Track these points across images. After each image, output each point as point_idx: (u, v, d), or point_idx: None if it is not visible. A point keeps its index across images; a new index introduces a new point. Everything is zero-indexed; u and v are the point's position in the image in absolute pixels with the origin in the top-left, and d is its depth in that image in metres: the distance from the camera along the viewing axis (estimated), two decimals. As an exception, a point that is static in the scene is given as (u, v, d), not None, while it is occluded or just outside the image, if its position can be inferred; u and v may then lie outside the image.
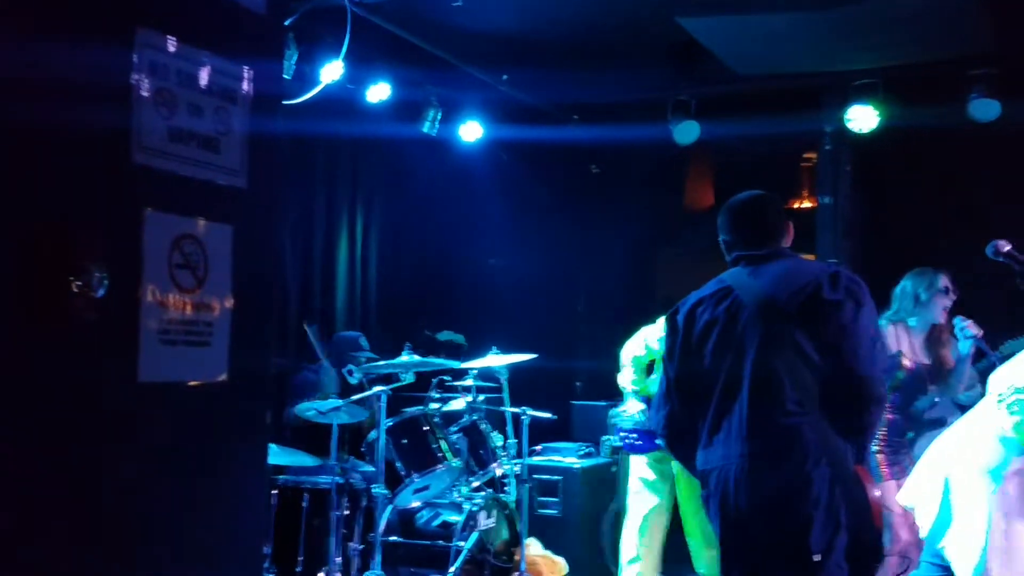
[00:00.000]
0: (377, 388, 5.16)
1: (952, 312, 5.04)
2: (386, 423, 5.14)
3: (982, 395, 4.17)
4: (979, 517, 3.77)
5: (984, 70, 6.39)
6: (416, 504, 5.42)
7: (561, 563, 6.16)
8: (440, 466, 5.18)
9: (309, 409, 5.15)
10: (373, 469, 5.19)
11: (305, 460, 5.15)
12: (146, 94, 1.90)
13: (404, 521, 5.39)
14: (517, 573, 5.47)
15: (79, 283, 1.74)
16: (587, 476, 6.64)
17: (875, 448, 4.82)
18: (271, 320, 2.33)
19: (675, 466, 5.51)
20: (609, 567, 6.31)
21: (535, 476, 6.39)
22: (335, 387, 5.87)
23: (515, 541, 5.55)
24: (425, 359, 5.38)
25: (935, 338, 5.08)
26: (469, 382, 5.94)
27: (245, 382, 2.11)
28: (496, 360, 5.77)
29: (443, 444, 5.27)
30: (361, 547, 5.10)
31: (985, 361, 4.69)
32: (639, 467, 5.75)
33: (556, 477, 6.60)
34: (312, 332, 5.87)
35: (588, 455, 6.90)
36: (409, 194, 7.41)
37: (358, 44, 5.69)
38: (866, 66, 6.66)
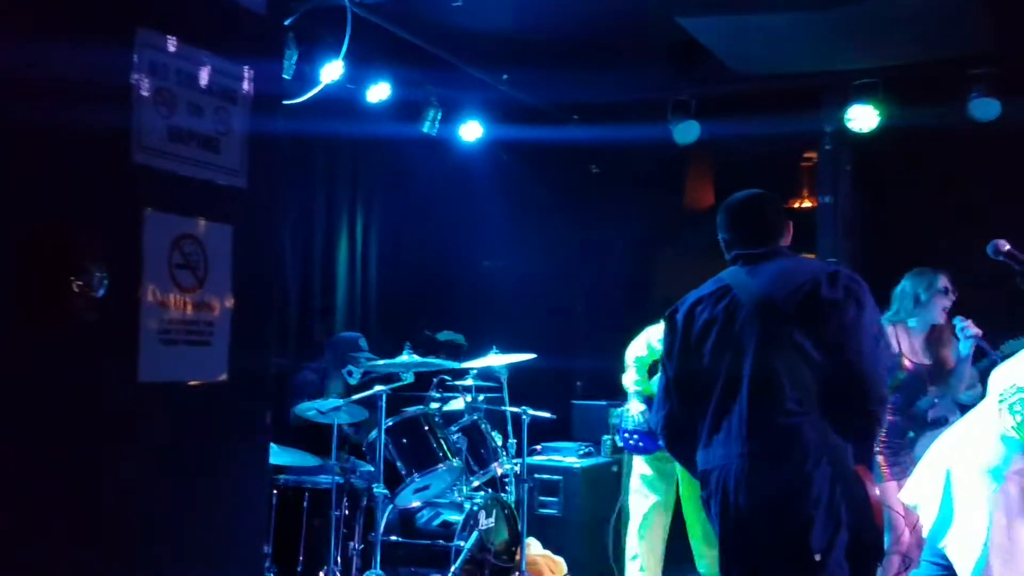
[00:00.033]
0: (377, 388, 5.16)
1: (952, 312, 5.04)
2: (386, 423, 5.14)
3: (983, 395, 4.17)
4: (980, 516, 3.77)
5: (984, 69, 6.39)
6: (416, 504, 5.42)
7: (561, 563, 6.16)
8: (440, 466, 5.18)
9: (310, 409, 5.15)
10: (373, 469, 5.19)
11: (305, 460, 5.15)
12: (146, 94, 1.90)
13: (404, 521, 5.39)
14: (517, 573, 5.47)
15: (79, 283, 1.74)
16: (587, 476, 6.65)
17: (875, 449, 4.82)
18: (271, 320, 2.33)
19: (676, 465, 5.51)
20: (612, 566, 6.31)
21: (535, 476, 6.40)
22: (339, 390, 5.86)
23: (515, 541, 5.55)
24: (425, 359, 5.38)
25: (935, 338, 5.08)
26: (469, 382, 5.95)
27: (245, 382, 2.11)
28: (496, 360, 5.78)
29: (443, 444, 5.27)
30: (361, 547, 5.10)
31: (986, 360, 4.69)
32: (640, 466, 5.76)
33: (556, 477, 6.61)
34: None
35: (588, 455, 6.90)
36: (409, 194, 7.41)
37: (358, 44, 5.68)
38: (866, 66, 6.66)
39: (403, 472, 5.19)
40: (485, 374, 5.98)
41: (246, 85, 2.12)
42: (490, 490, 5.60)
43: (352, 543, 5.09)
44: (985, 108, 6.40)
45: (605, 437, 7.08)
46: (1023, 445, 3.75)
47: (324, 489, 5.04)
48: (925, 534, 4.09)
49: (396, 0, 5.70)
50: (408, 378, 5.45)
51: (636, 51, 6.57)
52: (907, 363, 4.97)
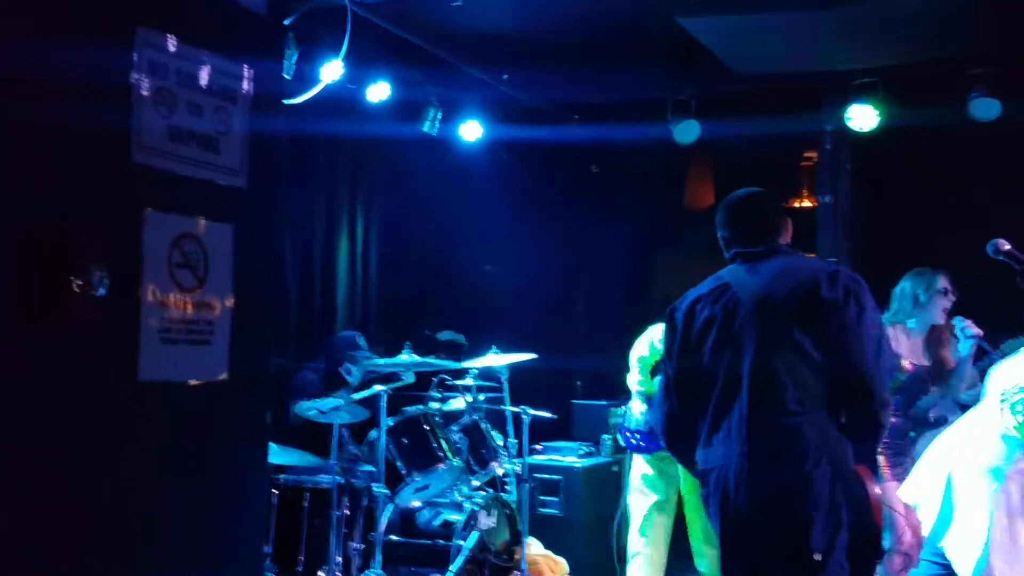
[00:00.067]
0: (377, 388, 5.16)
1: (952, 312, 5.03)
2: (386, 422, 5.14)
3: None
4: (980, 516, 3.77)
5: (984, 69, 6.39)
6: (417, 503, 5.42)
7: (562, 563, 6.16)
8: (441, 465, 5.18)
9: (310, 408, 5.15)
10: (373, 468, 5.19)
11: (306, 459, 5.15)
12: (146, 93, 1.90)
13: (405, 520, 5.39)
14: (518, 572, 5.47)
15: (79, 283, 1.74)
16: (588, 475, 6.65)
17: (877, 449, 4.81)
18: (271, 319, 2.34)
19: (678, 465, 5.51)
20: (616, 566, 6.30)
21: (536, 475, 6.40)
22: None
23: (516, 540, 5.54)
24: (425, 359, 5.38)
25: (935, 339, 5.08)
26: (469, 382, 5.94)
27: (245, 381, 2.12)
28: (496, 359, 5.78)
29: (444, 443, 5.27)
30: (362, 546, 5.10)
31: (987, 360, 4.69)
32: (641, 465, 5.76)
33: (557, 476, 6.61)
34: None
35: (589, 454, 6.90)
36: (409, 194, 7.41)
37: (358, 44, 5.68)
38: (866, 65, 6.66)
39: (403, 472, 5.19)
40: (485, 374, 5.97)
41: (246, 85, 2.12)
42: (490, 490, 5.60)
43: (352, 543, 5.09)
44: (985, 108, 6.40)
45: (605, 437, 7.08)
46: (1024, 444, 3.75)
47: (324, 489, 5.04)
48: (925, 533, 4.09)
49: (396, 0, 5.70)
50: (408, 378, 5.45)
51: (636, 51, 6.57)
52: (907, 365, 4.97)
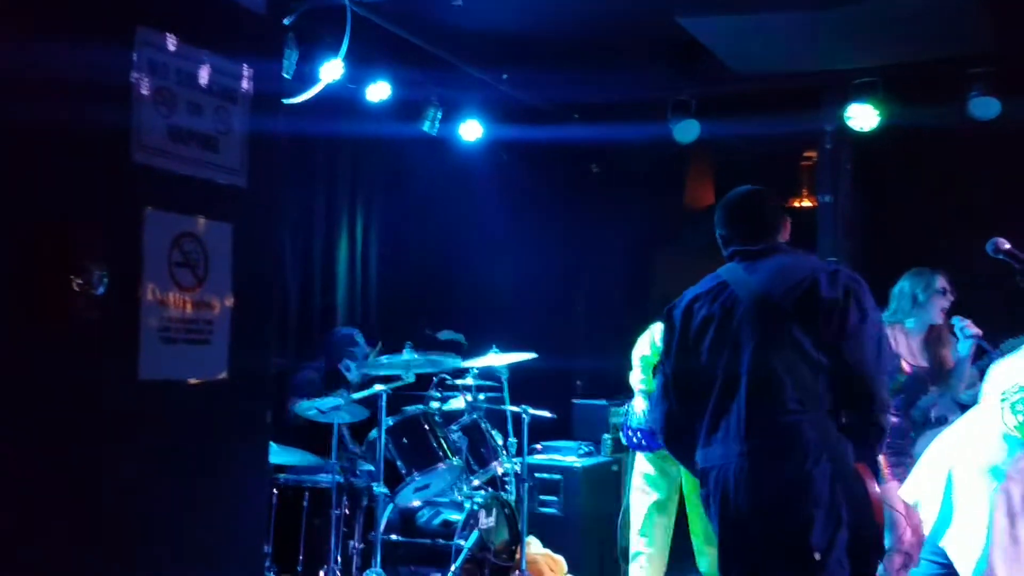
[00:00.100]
0: (377, 387, 5.16)
1: (952, 311, 5.03)
2: (386, 422, 5.14)
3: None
4: (980, 515, 3.77)
5: (984, 69, 6.39)
6: (417, 503, 5.42)
7: (561, 562, 6.16)
8: (441, 465, 5.18)
9: (310, 408, 5.15)
10: (373, 468, 5.19)
11: (306, 459, 5.16)
12: (146, 93, 1.90)
13: (405, 520, 5.39)
14: (518, 572, 5.47)
15: (79, 281, 1.74)
16: (588, 475, 6.64)
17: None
18: (271, 319, 2.34)
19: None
20: (621, 565, 6.30)
21: (535, 475, 6.39)
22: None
23: (515, 540, 5.55)
24: (430, 356, 5.38)
25: (934, 338, 5.08)
26: (469, 381, 5.94)
27: (245, 380, 2.12)
28: (496, 359, 5.78)
29: (443, 443, 5.27)
30: (361, 546, 5.10)
31: (986, 359, 4.69)
32: (642, 464, 5.76)
33: (556, 476, 6.60)
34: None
35: (589, 454, 6.90)
36: (409, 194, 7.41)
37: (358, 43, 5.68)
38: (866, 65, 6.66)
39: (403, 471, 5.19)
40: (485, 373, 5.97)
41: (246, 84, 2.12)
42: (490, 489, 5.60)
43: (352, 542, 5.09)
44: (985, 107, 6.40)
45: (605, 436, 7.07)
46: (1024, 444, 3.75)
47: (324, 488, 5.04)
48: (926, 533, 4.09)
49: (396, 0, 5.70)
50: (409, 377, 5.45)
51: (636, 51, 6.57)
52: (906, 366, 4.97)
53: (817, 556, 2.90)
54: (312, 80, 5.74)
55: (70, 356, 1.76)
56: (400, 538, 5.28)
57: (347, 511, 5.06)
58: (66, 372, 1.76)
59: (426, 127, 6.89)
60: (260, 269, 2.18)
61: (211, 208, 2.03)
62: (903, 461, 4.89)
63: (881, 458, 4.86)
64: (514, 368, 5.96)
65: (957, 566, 3.83)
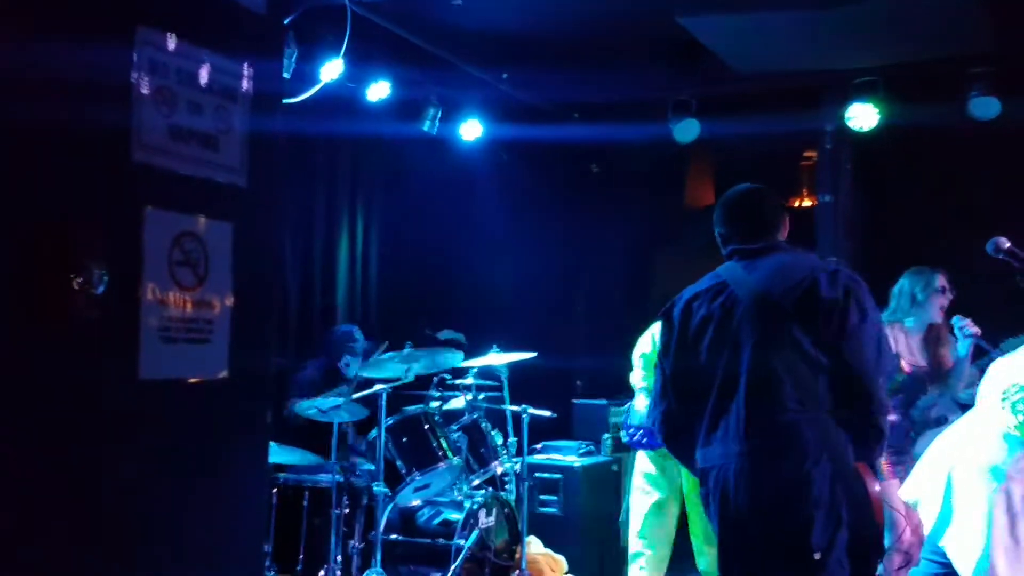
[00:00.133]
0: (378, 387, 5.16)
1: (952, 311, 5.03)
2: (386, 421, 5.14)
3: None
4: (979, 515, 3.77)
5: (984, 68, 6.39)
6: (417, 502, 5.42)
7: (562, 561, 6.16)
8: (441, 464, 5.18)
9: (310, 407, 5.15)
10: (373, 467, 5.19)
11: (306, 458, 5.16)
12: (146, 92, 1.90)
13: (405, 519, 5.39)
14: (518, 571, 5.47)
15: (79, 280, 1.74)
16: (587, 475, 6.65)
17: (877, 448, 4.82)
18: (271, 318, 2.34)
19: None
20: (623, 565, 6.30)
21: (535, 474, 6.39)
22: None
23: (516, 539, 5.55)
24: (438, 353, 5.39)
25: (933, 337, 5.08)
26: (469, 380, 5.94)
27: (246, 380, 2.11)
28: (496, 358, 5.77)
29: (443, 442, 5.27)
30: (361, 545, 5.10)
31: (986, 359, 4.69)
32: (642, 463, 5.75)
33: (556, 475, 6.60)
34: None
35: (588, 453, 6.90)
36: (409, 193, 7.41)
37: (358, 43, 5.68)
38: (866, 64, 6.66)
39: (403, 471, 5.19)
40: (485, 373, 5.98)
41: (246, 84, 2.12)
42: (490, 489, 5.60)
43: (352, 542, 5.09)
44: (985, 107, 6.40)
45: (605, 436, 7.07)
46: (1024, 443, 3.75)
47: (324, 488, 5.04)
48: (926, 532, 4.09)
49: (396, -1, 5.71)
50: (409, 377, 5.45)
51: (636, 51, 6.57)
52: (905, 366, 4.97)
53: (817, 556, 2.89)
54: (312, 79, 5.74)
55: (70, 356, 1.76)
56: (400, 537, 5.28)
57: (347, 510, 5.07)
58: (66, 372, 1.75)
59: (426, 127, 6.90)
60: (260, 268, 2.18)
61: (211, 207, 2.03)
62: (903, 460, 4.90)
63: (881, 457, 4.86)
64: (514, 368, 5.96)
65: (957, 566, 3.82)
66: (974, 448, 3.89)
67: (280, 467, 5.24)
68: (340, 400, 5.13)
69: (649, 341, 5.71)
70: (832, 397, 3.00)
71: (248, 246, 2.11)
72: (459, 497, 5.38)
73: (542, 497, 6.56)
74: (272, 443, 4.71)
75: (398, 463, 5.21)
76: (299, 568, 4.98)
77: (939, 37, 6.01)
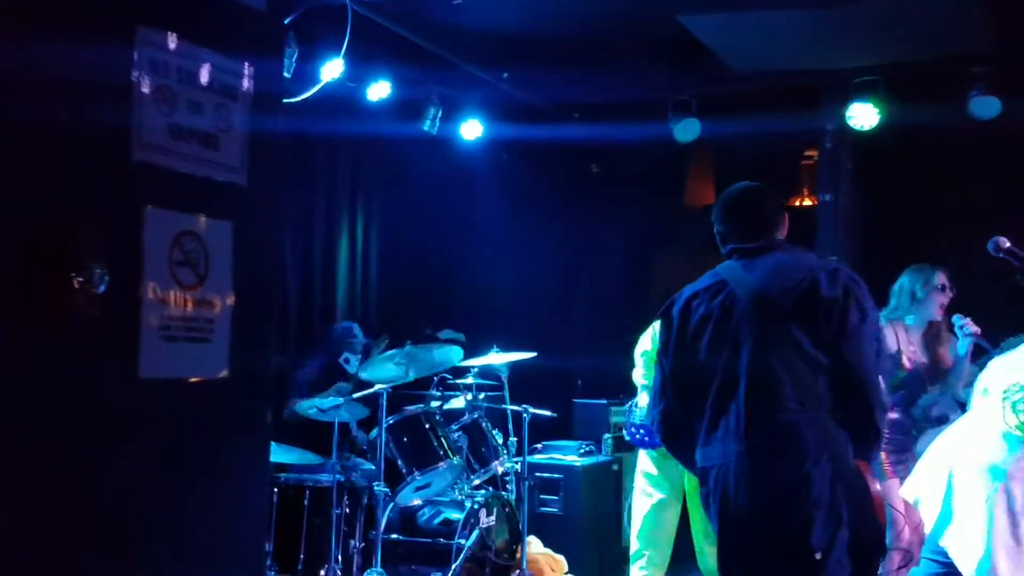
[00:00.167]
0: (378, 387, 5.16)
1: (952, 310, 5.03)
2: (387, 421, 5.14)
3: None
4: (980, 514, 3.77)
5: (984, 68, 6.39)
6: (417, 502, 5.42)
7: (562, 561, 6.16)
8: (441, 464, 5.18)
9: (311, 407, 5.15)
10: (374, 467, 5.19)
11: (306, 458, 5.16)
12: (146, 91, 1.90)
13: (405, 519, 5.39)
14: (518, 571, 5.47)
15: (80, 280, 1.74)
16: (588, 474, 6.65)
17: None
18: (272, 317, 2.33)
19: (682, 463, 5.51)
20: (624, 565, 6.30)
21: (536, 474, 6.39)
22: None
23: (516, 539, 5.55)
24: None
25: (932, 335, 5.08)
26: (470, 380, 5.94)
27: (246, 379, 2.11)
28: (497, 358, 5.77)
29: (444, 442, 5.27)
30: (362, 545, 5.11)
31: (986, 358, 4.69)
32: (644, 463, 5.75)
33: (557, 475, 6.60)
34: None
35: (589, 453, 6.90)
36: (409, 193, 7.41)
37: (358, 42, 5.68)
38: (866, 64, 6.66)
39: (404, 470, 5.19)
40: (486, 372, 5.98)
41: (246, 83, 2.12)
42: (491, 488, 5.60)
43: (353, 541, 5.09)
44: (985, 106, 6.40)
45: (606, 436, 7.07)
46: (1025, 443, 3.75)
47: (325, 487, 5.04)
48: (927, 531, 4.09)
49: (396, -2, 5.71)
50: (409, 377, 5.45)
51: (636, 51, 6.57)
52: (906, 362, 4.97)
53: (818, 556, 2.89)
54: (312, 79, 5.74)
55: (70, 355, 1.76)
56: (401, 537, 5.28)
57: (348, 510, 5.07)
58: (66, 371, 1.75)
59: (426, 126, 6.89)
60: (261, 268, 2.18)
61: (212, 206, 2.03)
62: (904, 458, 4.89)
63: (882, 455, 4.86)
64: (514, 367, 5.96)
65: (958, 565, 3.82)
66: (974, 447, 3.89)
67: (281, 467, 5.24)
68: (340, 400, 5.13)
69: (650, 338, 5.70)
70: (832, 397, 3.00)
71: (248, 245, 2.11)
72: (460, 497, 5.38)
73: (542, 497, 6.56)
74: (272, 443, 4.71)
75: (399, 463, 5.21)
76: (300, 568, 4.98)
77: (939, 37, 6.01)
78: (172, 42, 1.95)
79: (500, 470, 5.67)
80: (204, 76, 2.02)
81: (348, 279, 7.03)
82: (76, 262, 1.74)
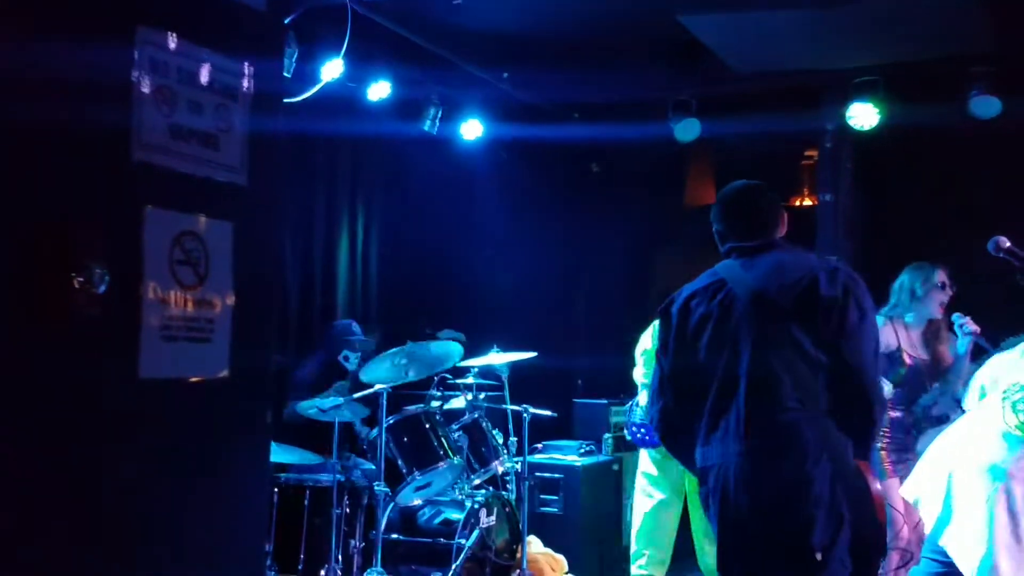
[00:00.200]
0: (378, 386, 5.16)
1: (951, 308, 5.03)
2: (387, 421, 5.14)
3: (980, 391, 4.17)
4: (980, 514, 3.77)
5: (984, 67, 6.39)
6: (417, 502, 5.42)
7: (562, 561, 6.16)
8: (441, 464, 5.18)
9: (311, 407, 5.15)
10: (374, 467, 5.19)
11: (306, 458, 5.15)
12: (147, 91, 1.90)
13: (405, 519, 5.39)
14: (518, 571, 5.47)
15: (80, 279, 1.74)
16: (588, 474, 6.64)
17: (879, 445, 4.82)
18: (272, 317, 2.34)
19: (682, 462, 5.51)
20: (625, 565, 6.30)
21: (536, 474, 6.39)
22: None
23: (516, 539, 5.54)
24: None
25: (932, 333, 5.08)
26: (470, 380, 5.94)
27: (246, 379, 2.11)
28: (497, 358, 5.77)
29: (444, 442, 5.27)
30: (362, 545, 5.10)
31: (985, 357, 4.69)
32: (644, 463, 5.75)
33: (557, 475, 6.60)
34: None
35: (589, 453, 6.90)
36: (409, 193, 7.41)
37: (358, 42, 5.68)
38: (867, 64, 6.65)
39: (404, 470, 5.19)
40: (486, 372, 5.97)
41: (246, 83, 2.12)
42: (491, 488, 5.60)
43: (353, 541, 5.09)
44: (986, 106, 6.40)
45: (606, 435, 7.07)
46: (1025, 442, 3.75)
47: (325, 487, 5.04)
48: (927, 531, 4.09)
49: (396, -2, 5.71)
50: (408, 377, 5.44)
51: (636, 51, 6.56)
52: (907, 358, 4.97)
53: (818, 556, 2.88)
54: (312, 79, 5.74)
55: (70, 355, 1.76)
56: (401, 537, 5.28)
57: (348, 510, 5.06)
58: (66, 371, 1.75)
59: (426, 126, 6.89)
60: (261, 268, 2.18)
61: (212, 206, 2.03)
62: (905, 457, 4.89)
63: (883, 454, 4.86)
64: (515, 367, 5.96)
65: (959, 564, 3.82)
66: (975, 447, 3.89)
67: (281, 467, 5.23)
68: (340, 400, 5.13)
69: (651, 337, 5.70)
70: (831, 396, 3.00)
71: (249, 245, 2.11)
72: (460, 496, 5.38)
73: (543, 496, 6.56)
74: (272, 443, 4.71)
75: (399, 462, 5.21)
76: (300, 568, 4.97)
77: (939, 37, 6.01)
78: (172, 42, 1.95)
79: (500, 470, 5.67)
80: (204, 76, 2.02)
81: (348, 279, 7.03)
82: (76, 262, 1.74)
